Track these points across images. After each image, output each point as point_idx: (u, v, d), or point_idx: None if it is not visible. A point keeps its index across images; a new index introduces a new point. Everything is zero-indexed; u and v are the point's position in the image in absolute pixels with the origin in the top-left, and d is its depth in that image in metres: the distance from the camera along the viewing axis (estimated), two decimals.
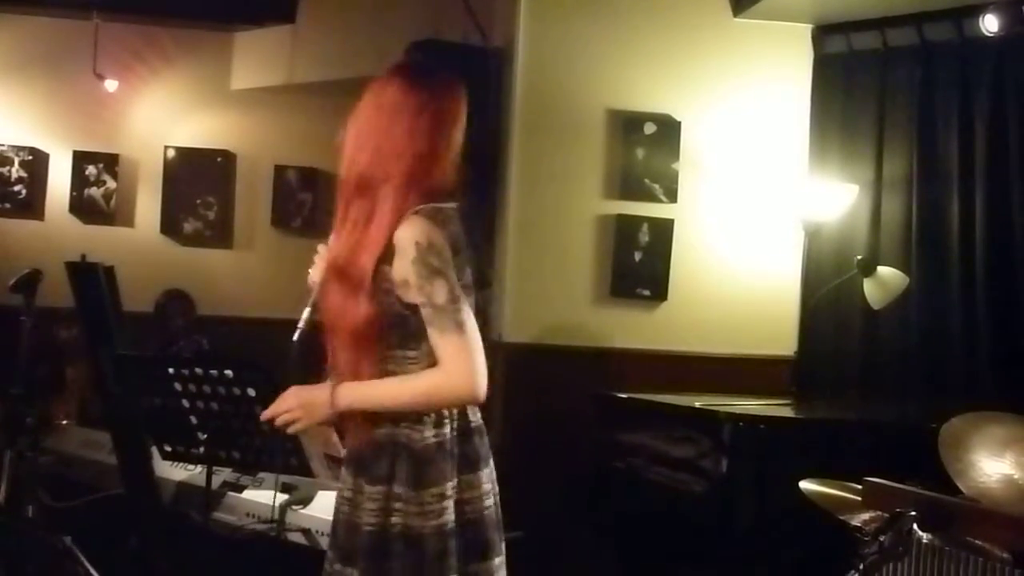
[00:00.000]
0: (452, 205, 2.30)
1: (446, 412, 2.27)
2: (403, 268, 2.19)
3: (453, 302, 2.18)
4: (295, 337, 2.31)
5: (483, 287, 2.36)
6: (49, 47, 6.81)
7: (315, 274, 2.37)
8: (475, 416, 2.34)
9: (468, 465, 2.28)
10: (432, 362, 2.21)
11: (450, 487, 2.23)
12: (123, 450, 3.88)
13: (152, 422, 3.45)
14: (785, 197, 4.94)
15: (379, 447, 2.26)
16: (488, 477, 2.32)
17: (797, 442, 3.79)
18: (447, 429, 2.26)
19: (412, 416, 2.24)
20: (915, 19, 4.78)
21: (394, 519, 2.22)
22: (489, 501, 2.31)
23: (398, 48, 5.22)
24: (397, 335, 2.24)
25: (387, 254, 2.21)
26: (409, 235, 2.19)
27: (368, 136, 2.31)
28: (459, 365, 2.17)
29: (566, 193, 4.99)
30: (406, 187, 2.24)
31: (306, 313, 2.33)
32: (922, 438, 2.78)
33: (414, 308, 2.21)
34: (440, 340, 2.18)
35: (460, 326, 2.18)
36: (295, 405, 2.30)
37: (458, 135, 2.34)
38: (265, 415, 2.33)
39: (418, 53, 4.95)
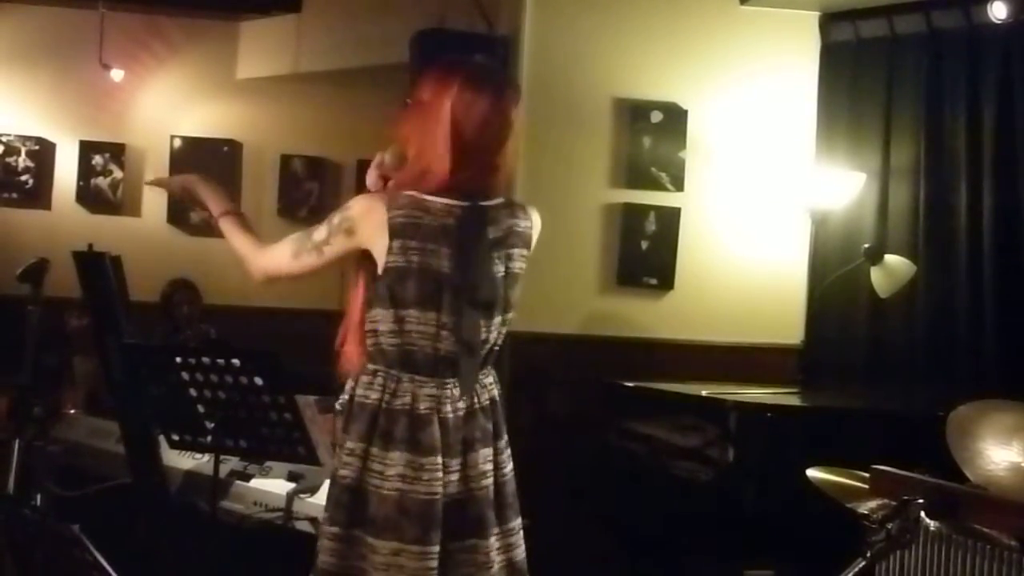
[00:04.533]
0: (440, 200, 2.40)
1: (390, 385, 2.42)
2: None
3: (311, 237, 2.47)
4: None
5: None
6: (55, 37, 6.81)
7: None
8: (450, 406, 2.43)
9: (394, 443, 2.41)
10: (386, 328, 2.42)
11: (356, 448, 2.42)
12: (131, 439, 3.89)
13: (159, 411, 3.45)
14: (792, 185, 4.93)
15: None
16: (400, 460, 2.40)
17: (804, 430, 3.79)
18: (384, 395, 2.42)
19: (362, 379, 2.46)
20: (923, 6, 4.77)
21: (340, 471, 2.46)
22: (394, 484, 2.39)
23: (404, 37, 5.21)
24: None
25: None
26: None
27: (413, 131, 2.48)
28: (268, 259, 2.54)
29: (572, 182, 4.98)
30: (409, 177, 2.45)
31: None
32: (929, 426, 2.77)
33: (379, 277, 2.42)
34: (284, 241, 2.51)
35: (294, 250, 2.49)
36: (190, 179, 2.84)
37: (488, 138, 2.46)
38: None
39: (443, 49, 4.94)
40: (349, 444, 2.43)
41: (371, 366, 2.45)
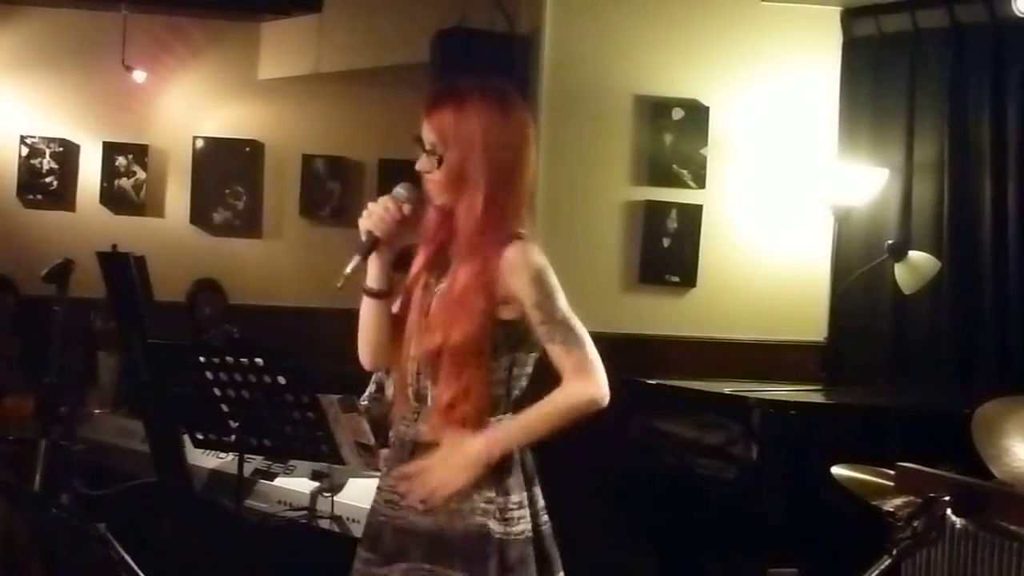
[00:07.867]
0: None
1: None
2: (515, 286, 2.26)
3: (576, 325, 2.30)
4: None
5: None
6: (78, 39, 6.85)
7: (370, 223, 2.31)
8: None
9: (530, 479, 2.35)
10: (519, 372, 2.32)
11: (525, 497, 2.30)
12: (156, 438, 3.91)
13: (184, 410, 3.47)
14: (815, 182, 4.91)
15: None
16: (540, 492, 2.37)
17: (828, 428, 3.77)
18: None
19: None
20: (946, 1, 4.74)
21: (478, 519, 2.24)
22: (546, 515, 2.36)
23: (425, 36, 5.22)
24: (488, 350, 2.27)
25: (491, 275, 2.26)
26: (521, 255, 2.28)
27: (481, 153, 2.26)
28: (591, 375, 2.34)
29: (594, 180, 4.98)
30: (507, 210, 2.29)
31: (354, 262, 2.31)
32: (955, 423, 2.76)
33: (503, 323, 2.27)
34: (566, 355, 2.28)
35: (582, 340, 2.31)
36: (449, 474, 2.22)
37: None
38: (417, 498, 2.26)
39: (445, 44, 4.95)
40: (513, 498, 2.29)
41: (490, 418, 2.30)
